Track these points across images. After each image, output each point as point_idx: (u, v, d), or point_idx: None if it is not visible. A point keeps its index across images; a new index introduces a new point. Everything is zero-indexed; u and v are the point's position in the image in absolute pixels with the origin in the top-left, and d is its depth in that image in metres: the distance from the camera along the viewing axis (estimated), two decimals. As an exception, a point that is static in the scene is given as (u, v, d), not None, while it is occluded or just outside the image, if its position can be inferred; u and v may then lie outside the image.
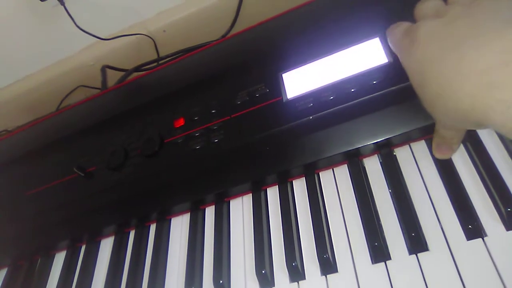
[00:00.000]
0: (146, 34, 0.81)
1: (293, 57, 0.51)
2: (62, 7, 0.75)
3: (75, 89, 0.89)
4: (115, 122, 0.59)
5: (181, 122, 0.54)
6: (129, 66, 0.83)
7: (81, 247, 0.56)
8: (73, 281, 0.53)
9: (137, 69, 0.79)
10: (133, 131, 0.56)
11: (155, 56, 0.84)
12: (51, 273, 0.56)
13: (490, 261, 0.34)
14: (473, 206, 0.37)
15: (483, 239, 0.35)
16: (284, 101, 0.49)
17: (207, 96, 0.54)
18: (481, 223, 0.36)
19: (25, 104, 0.94)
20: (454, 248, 0.36)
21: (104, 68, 0.78)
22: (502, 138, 0.40)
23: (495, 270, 0.34)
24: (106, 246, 0.54)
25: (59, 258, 0.57)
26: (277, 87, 0.50)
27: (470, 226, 0.36)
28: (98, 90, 0.89)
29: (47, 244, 0.57)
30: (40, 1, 0.74)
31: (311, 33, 0.52)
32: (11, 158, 0.65)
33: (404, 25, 0.37)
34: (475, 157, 0.39)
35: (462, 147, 0.41)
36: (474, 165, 0.39)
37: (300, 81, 0.50)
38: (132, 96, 0.62)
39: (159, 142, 0.53)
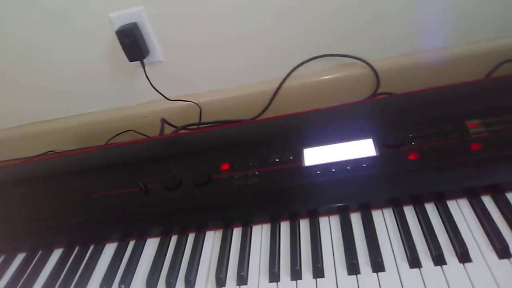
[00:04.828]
0: (197, 103, 1.06)
1: (313, 140, 0.75)
2: (142, 68, 1.00)
3: (125, 131, 1.11)
4: (175, 158, 0.81)
5: (226, 166, 0.76)
6: (174, 123, 1.06)
7: (129, 242, 0.74)
8: (119, 268, 0.70)
9: (184, 127, 1.03)
10: (188, 167, 0.78)
11: (197, 120, 1.08)
12: (100, 259, 0.73)
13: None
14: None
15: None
16: (302, 166, 0.72)
17: (248, 153, 0.76)
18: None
19: (78, 134, 1.15)
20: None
21: (163, 121, 1.01)
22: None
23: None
24: (151, 244, 0.73)
25: (109, 248, 0.74)
26: (299, 157, 0.74)
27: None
28: (144, 136, 1.11)
29: (101, 235, 0.75)
30: (128, 61, 1.00)
31: (327, 127, 0.77)
32: (87, 167, 0.85)
33: None
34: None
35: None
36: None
37: (315, 156, 0.73)
38: (191, 143, 0.84)
39: (208, 176, 0.75)
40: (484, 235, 0.59)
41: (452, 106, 0.74)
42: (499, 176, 0.64)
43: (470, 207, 0.63)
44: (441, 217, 0.63)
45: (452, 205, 0.64)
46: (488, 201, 0.63)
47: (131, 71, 1.04)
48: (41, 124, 1.16)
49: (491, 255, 0.57)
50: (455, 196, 0.65)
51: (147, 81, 1.02)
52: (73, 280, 0.70)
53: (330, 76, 1.04)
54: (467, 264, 0.56)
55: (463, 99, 0.75)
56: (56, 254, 0.76)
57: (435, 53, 0.98)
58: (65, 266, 0.72)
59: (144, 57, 0.99)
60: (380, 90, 1.02)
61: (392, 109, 0.78)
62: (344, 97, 1.04)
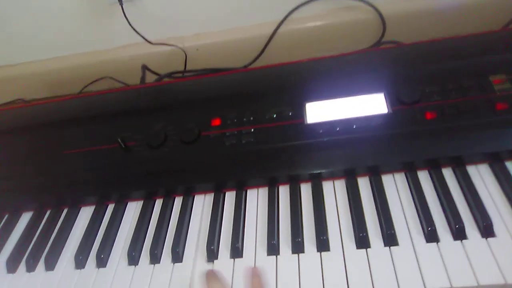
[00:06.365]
0: (182, 48, 0.95)
1: (316, 93, 0.66)
2: (120, 7, 0.88)
3: (102, 78, 1.00)
4: (159, 111, 0.71)
5: (217, 122, 0.67)
6: (157, 70, 0.96)
7: (108, 205, 0.66)
8: (96, 236, 0.63)
9: (169, 75, 0.92)
10: (174, 121, 0.69)
11: (182, 67, 0.97)
12: (75, 224, 0.65)
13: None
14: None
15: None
16: (304, 123, 0.64)
17: (243, 107, 0.67)
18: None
19: (48, 81, 1.03)
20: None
21: (144, 67, 0.90)
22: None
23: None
24: (132, 208, 0.65)
25: (86, 212, 0.66)
26: (300, 112, 0.65)
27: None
28: (122, 84, 1.00)
29: (76, 197, 0.67)
30: (105, -3, 0.87)
31: (332, 78, 0.68)
32: (59, 119, 0.75)
33: None
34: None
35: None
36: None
37: (318, 112, 0.65)
38: (177, 94, 0.75)
39: (198, 133, 0.66)
40: (509, 206, 0.53)
41: (474, 59, 0.65)
42: (527, 140, 0.57)
43: (492, 174, 0.57)
44: (460, 184, 0.57)
45: (472, 171, 0.57)
46: (512, 168, 0.56)
47: (108, 10, 0.91)
48: (7, 68, 1.04)
49: (517, 229, 0.51)
50: (476, 161, 0.58)
51: (126, 21, 0.89)
52: (44, 249, 0.62)
53: (330, 21, 0.94)
54: (490, 239, 0.50)
55: (486, 51, 0.66)
56: (25, 218, 0.67)
57: (449, -3, 0.88)
58: (35, 233, 0.64)
59: (122, -7, 0.86)
60: (385, 38, 0.92)
61: (406, 60, 0.69)
62: (346, 45, 0.93)
